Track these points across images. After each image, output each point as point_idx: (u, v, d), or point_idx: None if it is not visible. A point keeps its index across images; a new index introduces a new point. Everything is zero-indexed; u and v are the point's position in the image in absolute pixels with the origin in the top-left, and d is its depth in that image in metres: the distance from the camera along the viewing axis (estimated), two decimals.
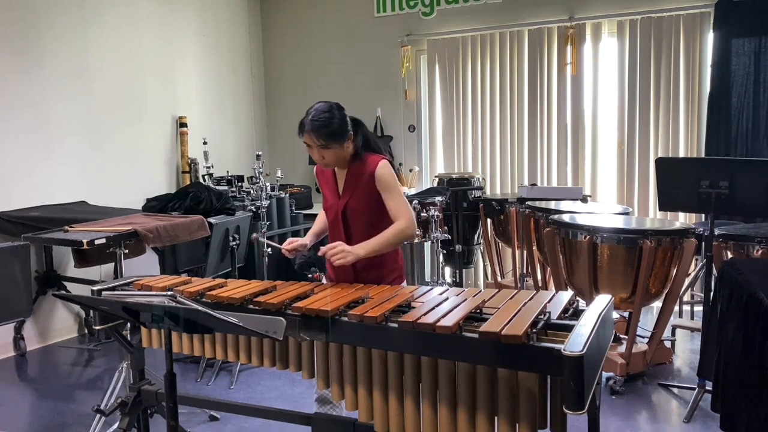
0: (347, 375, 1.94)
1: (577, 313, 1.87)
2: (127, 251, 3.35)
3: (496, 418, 1.67)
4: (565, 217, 3.95)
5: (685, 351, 4.36)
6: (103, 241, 3.16)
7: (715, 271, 3.24)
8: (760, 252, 3.33)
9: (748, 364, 2.25)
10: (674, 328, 4.39)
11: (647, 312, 4.76)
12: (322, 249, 2.33)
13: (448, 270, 5.70)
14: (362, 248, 2.30)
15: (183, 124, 5.95)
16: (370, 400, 1.89)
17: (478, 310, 1.85)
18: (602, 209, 4.48)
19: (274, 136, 7.19)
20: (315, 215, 2.67)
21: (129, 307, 1.77)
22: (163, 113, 5.84)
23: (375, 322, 1.83)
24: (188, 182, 5.86)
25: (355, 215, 2.42)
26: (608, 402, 3.47)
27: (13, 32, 4.54)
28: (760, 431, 2.18)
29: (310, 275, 4.39)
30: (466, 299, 1.96)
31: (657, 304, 3.95)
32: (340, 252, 2.27)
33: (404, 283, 2.51)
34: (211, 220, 4.04)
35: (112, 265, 4.20)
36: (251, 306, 2.10)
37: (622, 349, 3.72)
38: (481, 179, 5.71)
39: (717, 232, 3.50)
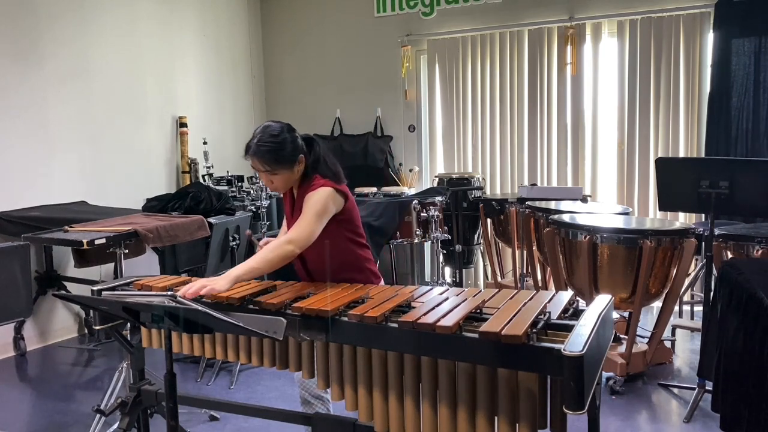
0: (347, 375, 1.93)
1: (577, 313, 1.87)
2: (127, 251, 3.34)
3: (496, 418, 1.67)
4: (565, 217, 3.95)
5: (685, 351, 4.36)
6: (103, 241, 3.16)
7: (715, 271, 3.24)
8: (760, 252, 3.33)
9: (748, 364, 2.25)
10: (674, 328, 4.39)
11: (647, 312, 4.76)
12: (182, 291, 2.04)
13: (448, 270, 5.71)
14: (229, 275, 2.07)
15: (183, 124, 5.95)
16: (370, 400, 1.89)
17: (478, 310, 1.85)
18: (602, 209, 4.49)
19: None
20: None
21: (129, 307, 1.77)
22: (163, 113, 5.84)
23: (375, 322, 1.83)
24: (188, 182, 5.86)
25: None
26: (608, 402, 3.47)
27: (14, 33, 4.54)
28: (760, 431, 2.18)
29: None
30: (466, 299, 1.96)
31: (657, 304, 3.95)
32: (199, 288, 2.01)
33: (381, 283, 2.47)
34: (211, 220, 4.04)
35: (112, 265, 4.20)
36: (251, 306, 2.10)
37: (622, 349, 3.72)
38: (481, 179, 5.72)
39: (717, 232, 3.50)
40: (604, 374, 3.62)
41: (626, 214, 4.30)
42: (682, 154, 5.50)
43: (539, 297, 1.95)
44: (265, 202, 4.77)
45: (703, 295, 3.73)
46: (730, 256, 3.48)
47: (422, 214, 4.63)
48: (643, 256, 3.47)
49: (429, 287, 2.18)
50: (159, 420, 2.58)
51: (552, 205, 4.55)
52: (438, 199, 4.86)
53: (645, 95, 5.57)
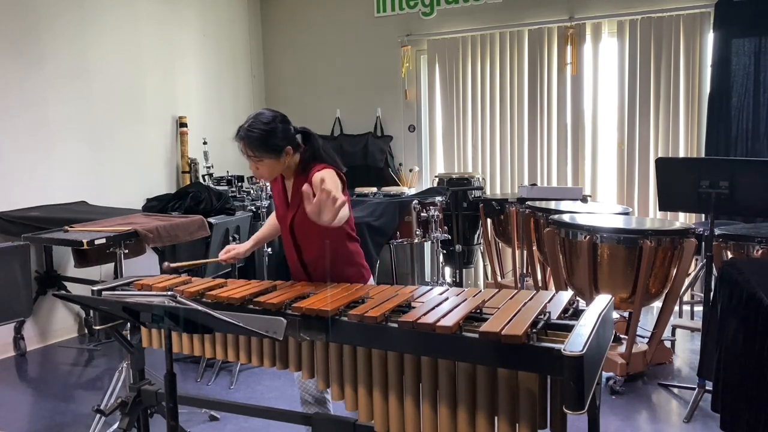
0: (347, 375, 1.93)
1: (577, 313, 1.87)
2: (127, 251, 3.35)
3: (496, 418, 1.67)
4: (565, 217, 3.95)
5: (685, 351, 4.36)
6: (103, 241, 3.16)
7: (715, 271, 3.24)
8: (760, 252, 3.33)
9: (749, 364, 2.25)
10: (674, 328, 4.40)
11: (647, 312, 4.76)
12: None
13: (448, 270, 5.71)
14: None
15: (183, 124, 5.95)
16: (370, 400, 1.89)
17: (478, 310, 1.85)
18: (602, 209, 4.48)
19: None
20: None
21: (129, 307, 1.77)
22: (163, 113, 5.84)
23: (375, 322, 1.83)
24: (188, 182, 5.86)
25: (302, 228, 2.34)
26: (608, 402, 3.47)
27: (14, 32, 4.54)
28: (760, 431, 2.18)
29: None
30: (466, 299, 1.96)
31: (657, 304, 3.95)
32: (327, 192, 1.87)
33: (371, 280, 2.48)
34: (211, 220, 4.04)
35: (112, 265, 4.20)
36: (251, 306, 2.10)
37: (622, 349, 3.72)
38: (481, 179, 5.72)
39: (717, 232, 3.50)
40: (604, 374, 3.62)
41: (626, 214, 4.30)
42: (682, 154, 5.50)
43: (539, 297, 1.95)
44: (265, 202, 4.77)
45: (703, 295, 3.73)
46: (730, 256, 3.48)
47: (422, 214, 4.63)
48: (643, 256, 3.47)
49: (429, 287, 2.18)
50: (159, 420, 2.57)
51: (552, 205, 4.55)
52: (438, 199, 4.86)
53: (645, 95, 5.57)
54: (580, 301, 2.11)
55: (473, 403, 1.69)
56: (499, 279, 5.58)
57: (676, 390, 3.65)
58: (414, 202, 4.66)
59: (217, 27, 6.49)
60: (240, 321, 1.63)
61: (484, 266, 5.90)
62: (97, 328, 2.39)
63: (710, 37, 5.34)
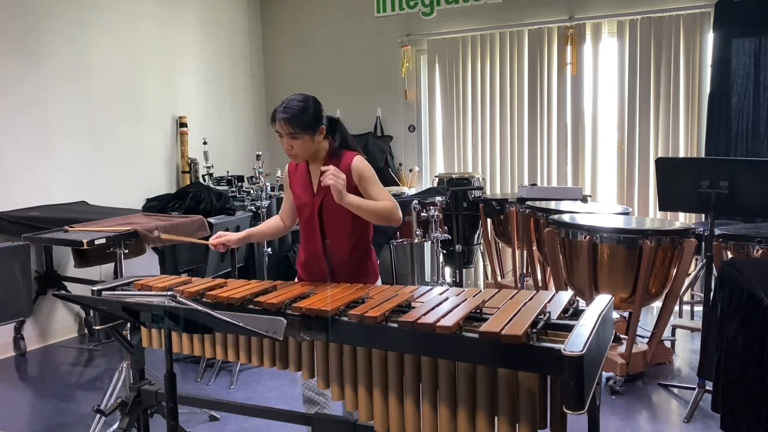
0: (347, 375, 1.93)
1: (577, 313, 1.87)
2: (127, 251, 3.34)
3: (496, 418, 1.67)
4: (565, 217, 3.95)
5: (685, 351, 4.36)
6: (103, 241, 3.16)
7: (715, 271, 3.24)
8: (760, 252, 3.33)
9: (749, 364, 2.25)
10: (674, 328, 4.39)
11: (647, 312, 4.76)
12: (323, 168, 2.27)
13: (448, 270, 5.70)
14: (353, 197, 2.27)
15: (183, 124, 5.94)
16: (370, 400, 1.89)
17: (478, 310, 1.85)
18: (602, 209, 4.48)
19: (274, 136, 7.12)
20: None
21: (129, 307, 1.77)
22: (163, 113, 5.84)
23: (375, 322, 1.83)
24: (188, 182, 5.86)
25: (330, 213, 2.38)
26: (608, 402, 3.47)
27: (14, 32, 4.54)
28: (760, 431, 2.18)
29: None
30: (466, 299, 1.96)
31: (657, 304, 3.95)
32: (335, 174, 2.20)
33: (378, 280, 2.53)
34: (211, 220, 4.04)
35: (112, 265, 4.20)
36: (251, 306, 2.10)
37: (622, 349, 3.72)
38: (481, 179, 5.71)
39: (717, 232, 3.50)
40: (604, 374, 3.62)
41: (626, 214, 4.30)
42: (682, 154, 5.50)
43: (539, 297, 1.95)
44: (265, 202, 4.77)
45: (703, 295, 3.73)
46: (730, 256, 3.48)
47: (422, 214, 4.63)
48: (643, 256, 3.47)
49: (429, 287, 2.18)
50: (159, 420, 2.57)
51: (552, 205, 4.55)
52: (438, 199, 4.86)
53: (645, 95, 5.57)
54: (580, 301, 2.11)
55: (473, 403, 1.69)
56: (499, 279, 5.58)
57: (676, 390, 3.65)
58: (414, 202, 4.66)
59: (217, 27, 6.49)
60: (240, 321, 1.63)
61: (484, 266, 5.90)
62: (97, 328, 2.39)
63: (710, 37, 5.34)
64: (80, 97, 5.03)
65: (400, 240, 4.75)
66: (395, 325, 1.81)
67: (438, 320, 1.73)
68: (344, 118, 2.45)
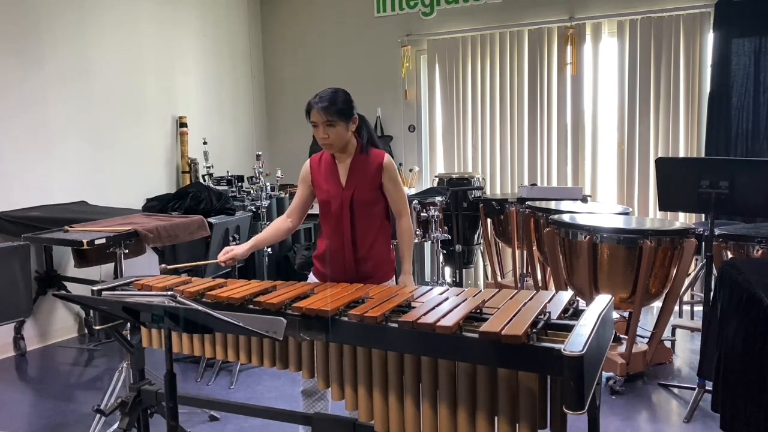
0: (347, 375, 1.93)
1: (577, 313, 1.87)
2: (127, 251, 3.35)
3: (496, 418, 1.67)
4: (565, 217, 3.95)
5: (685, 351, 4.36)
6: (103, 241, 3.16)
7: (715, 271, 3.24)
8: (760, 252, 3.33)
9: (749, 364, 2.25)
10: (674, 328, 4.39)
11: (647, 312, 4.76)
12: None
13: (448, 270, 5.70)
14: (408, 270, 2.57)
15: (183, 124, 5.95)
16: (370, 400, 1.89)
17: (478, 310, 1.85)
18: (602, 209, 4.48)
19: (274, 136, 7.19)
20: (316, 215, 2.67)
21: (129, 307, 1.77)
22: (163, 113, 5.84)
23: (375, 322, 1.83)
24: (188, 182, 5.86)
25: (360, 204, 2.49)
26: (608, 402, 3.47)
27: (14, 32, 4.54)
28: (760, 431, 2.18)
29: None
30: (466, 299, 1.96)
31: (657, 304, 3.95)
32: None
33: (394, 277, 2.62)
34: (211, 220, 4.04)
35: (112, 265, 4.20)
36: (251, 306, 2.10)
37: (622, 349, 3.72)
38: (481, 179, 5.71)
39: (717, 232, 3.50)
40: (604, 374, 3.62)
41: (626, 214, 4.30)
42: (682, 154, 5.50)
43: (539, 297, 1.95)
44: (265, 202, 4.77)
45: (703, 295, 3.73)
46: (730, 256, 3.48)
47: (422, 214, 4.63)
48: (643, 256, 3.47)
49: (429, 287, 2.18)
50: (159, 420, 2.57)
51: (552, 205, 4.55)
52: (438, 199, 4.86)
53: (645, 95, 5.58)
54: (580, 301, 2.11)
55: (473, 403, 1.69)
56: (499, 279, 5.58)
57: (676, 390, 3.65)
58: (414, 202, 4.66)
59: (216, 27, 6.49)
60: (240, 321, 1.63)
61: (484, 266, 5.90)
62: (97, 328, 2.39)
63: (710, 37, 5.34)
64: (80, 97, 5.03)
65: None
66: (395, 325, 1.81)
67: (438, 320, 1.73)
68: None
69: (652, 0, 5.51)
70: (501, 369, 1.63)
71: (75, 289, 4.58)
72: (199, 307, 1.69)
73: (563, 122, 5.89)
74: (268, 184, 4.93)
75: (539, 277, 5.02)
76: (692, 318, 4.83)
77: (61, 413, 3.52)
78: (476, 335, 1.66)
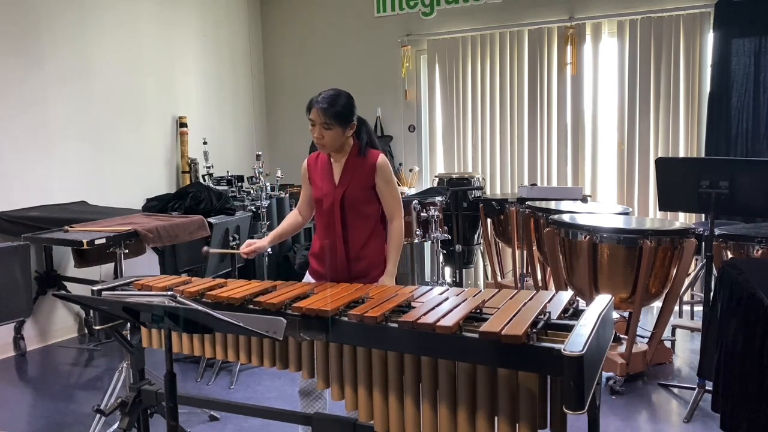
0: (347, 375, 1.94)
1: (577, 313, 1.87)
2: (127, 251, 3.34)
3: (496, 418, 1.67)
4: (565, 217, 3.95)
5: (685, 351, 4.36)
6: (103, 241, 3.16)
7: (715, 271, 3.24)
8: (760, 252, 3.33)
9: (749, 364, 2.25)
10: (674, 328, 4.39)
11: (647, 312, 4.76)
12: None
13: (448, 270, 5.70)
14: (390, 272, 2.53)
15: (183, 124, 5.95)
16: (370, 400, 1.89)
17: (478, 310, 1.85)
18: (602, 209, 4.48)
19: (274, 136, 7.19)
20: None
21: (129, 307, 1.77)
22: (163, 113, 5.84)
23: (375, 322, 1.83)
24: (188, 182, 5.86)
25: (352, 203, 2.50)
26: (608, 402, 3.47)
27: (14, 32, 4.54)
28: (760, 431, 2.18)
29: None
30: (466, 299, 1.96)
31: (657, 304, 3.95)
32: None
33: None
34: (211, 220, 4.04)
35: (112, 265, 4.20)
36: (251, 306, 2.10)
37: (622, 349, 3.72)
38: (481, 179, 5.71)
39: (717, 232, 3.50)
40: (604, 374, 3.62)
41: (626, 214, 4.30)
42: (682, 154, 5.50)
43: (539, 297, 1.95)
44: (265, 202, 4.77)
45: (703, 295, 3.73)
46: (730, 256, 3.48)
47: (422, 214, 4.63)
48: (643, 256, 3.47)
49: (429, 287, 2.18)
50: (159, 420, 2.57)
51: (552, 205, 4.55)
52: (438, 199, 4.86)
53: (645, 95, 5.57)
54: (580, 301, 2.11)
55: (473, 403, 1.69)
56: (499, 279, 5.58)
57: (676, 390, 3.65)
58: (414, 202, 4.66)
59: (216, 27, 6.49)
60: (240, 321, 1.63)
61: (484, 266, 5.90)
62: (97, 328, 2.39)
63: (710, 37, 5.34)
64: (80, 97, 5.03)
65: None
66: (395, 325, 1.81)
67: (438, 320, 1.73)
68: None
69: (652, 0, 5.51)
70: (501, 369, 1.64)
71: (75, 289, 4.58)
72: (199, 307, 1.69)
73: (563, 122, 5.89)
74: (268, 184, 4.93)
75: (539, 277, 5.02)
76: (692, 318, 4.83)
77: (61, 413, 3.52)
78: (476, 335, 1.66)
